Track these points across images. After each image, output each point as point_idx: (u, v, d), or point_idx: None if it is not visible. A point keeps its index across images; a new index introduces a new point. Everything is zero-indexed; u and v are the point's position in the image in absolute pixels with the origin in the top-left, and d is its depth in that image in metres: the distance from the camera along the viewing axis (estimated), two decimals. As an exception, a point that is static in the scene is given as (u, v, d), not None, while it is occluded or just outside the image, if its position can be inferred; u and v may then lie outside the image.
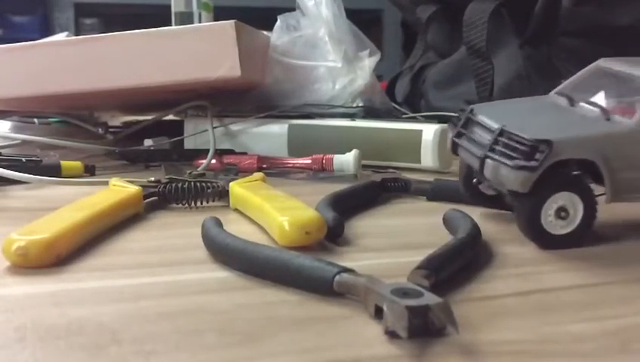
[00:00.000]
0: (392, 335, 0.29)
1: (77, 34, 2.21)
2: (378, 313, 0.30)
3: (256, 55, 0.75)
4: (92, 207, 0.45)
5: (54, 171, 0.62)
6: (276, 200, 0.47)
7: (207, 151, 0.67)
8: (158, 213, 0.52)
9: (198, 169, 0.62)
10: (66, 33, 1.07)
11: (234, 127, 0.75)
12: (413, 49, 1.09)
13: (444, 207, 0.47)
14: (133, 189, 0.51)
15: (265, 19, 0.85)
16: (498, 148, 0.42)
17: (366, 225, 0.49)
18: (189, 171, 0.58)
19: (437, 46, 1.04)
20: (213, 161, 0.66)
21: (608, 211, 0.50)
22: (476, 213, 0.45)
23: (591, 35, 0.81)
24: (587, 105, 0.45)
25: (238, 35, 0.67)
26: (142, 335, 0.30)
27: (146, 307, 0.33)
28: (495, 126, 0.43)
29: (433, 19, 1.02)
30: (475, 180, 0.50)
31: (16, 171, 0.56)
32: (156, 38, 0.70)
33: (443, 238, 0.42)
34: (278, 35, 0.80)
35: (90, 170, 0.67)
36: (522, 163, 0.40)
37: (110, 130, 0.88)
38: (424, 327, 0.29)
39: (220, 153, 0.69)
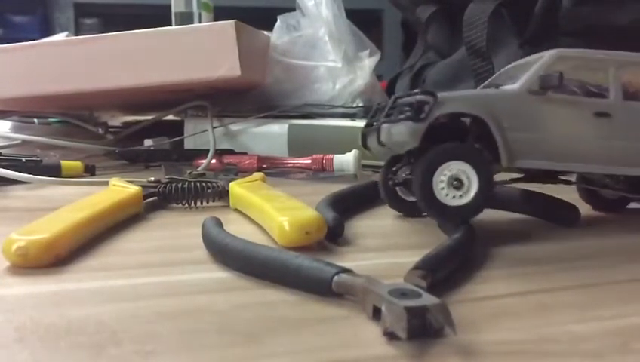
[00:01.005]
0: (390, 336, 0.29)
1: (77, 34, 2.21)
2: (376, 313, 0.30)
3: (256, 55, 0.75)
4: (92, 207, 0.45)
5: (54, 171, 0.63)
6: (276, 200, 0.47)
7: (207, 151, 0.67)
8: (158, 213, 0.52)
9: (198, 169, 0.62)
10: (66, 33, 1.07)
11: (234, 127, 0.75)
12: (413, 49, 1.09)
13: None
14: (133, 189, 0.51)
15: (265, 19, 0.85)
16: (393, 113, 0.43)
17: (365, 225, 0.49)
18: (189, 171, 0.58)
19: (437, 46, 1.04)
20: (213, 161, 0.66)
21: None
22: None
23: (591, 35, 0.81)
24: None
25: (238, 35, 0.67)
26: (142, 335, 0.30)
27: (146, 307, 0.33)
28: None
29: (433, 19, 1.02)
30: (390, 182, 0.49)
31: (16, 171, 0.56)
32: (156, 38, 0.70)
33: (442, 238, 0.42)
34: (278, 35, 0.80)
35: (90, 170, 0.67)
36: (410, 116, 0.41)
37: (110, 130, 0.88)
38: (422, 328, 0.29)
39: (219, 153, 0.69)
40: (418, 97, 0.42)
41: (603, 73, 0.45)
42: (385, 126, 0.43)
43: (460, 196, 0.42)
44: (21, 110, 0.86)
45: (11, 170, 0.57)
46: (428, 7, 1.02)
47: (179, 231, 0.48)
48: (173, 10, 0.97)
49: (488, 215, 0.50)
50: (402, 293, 0.30)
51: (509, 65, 0.50)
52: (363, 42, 0.83)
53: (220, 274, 0.38)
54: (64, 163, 0.65)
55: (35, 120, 0.89)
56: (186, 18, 0.96)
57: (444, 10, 1.01)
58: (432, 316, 0.29)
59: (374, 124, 0.46)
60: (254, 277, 0.37)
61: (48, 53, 0.72)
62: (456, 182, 0.42)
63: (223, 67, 0.67)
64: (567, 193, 0.51)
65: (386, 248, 0.43)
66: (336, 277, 0.33)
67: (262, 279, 0.36)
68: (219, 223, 0.42)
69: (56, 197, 0.53)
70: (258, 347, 0.29)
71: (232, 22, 0.68)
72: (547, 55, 0.45)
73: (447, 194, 0.42)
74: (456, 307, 0.32)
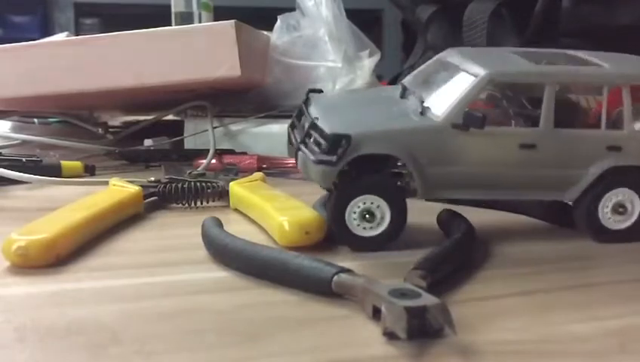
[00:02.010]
0: (390, 336, 0.29)
1: (77, 34, 2.21)
2: (376, 313, 0.30)
3: (256, 55, 0.75)
4: (92, 207, 0.45)
5: (54, 171, 0.62)
6: (276, 200, 0.47)
7: (207, 151, 0.67)
8: (158, 212, 0.52)
9: (198, 169, 0.62)
10: (66, 33, 1.07)
11: (234, 127, 0.75)
12: (413, 49, 1.09)
13: (443, 207, 0.47)
14: (133, 189, 0.51)
15: (265, 19, 0.85)
16: (309, 141, 0.42)
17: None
18: (189, 171, 0.58)
19: (437, 46, 1.03)
20: (214, 161, 0.66)
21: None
22: (472, 213, 0.45)
23: (591, 35, 0.80)
24: (413, 98, 0.44)
25: (238, 35, 0.67)
26: (142, 335, 0.30)
27: (146, 307, 0.33)
28: (313, 117, 0.43)
29: (433, 19, 1.02)
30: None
31: (16, 171, 0.56)
32: (156, 38, 0.70)
33: (442, 238, 0.42)
34: (278, 35, 0.80)
35: (90, 170, 0.67)
36: (322, 157, 0.40)
37: (110, 130, 0.88)
38: (422, 328, 0.29)
39: (219, 153, 0.69)
40: (332, 136, 0.40)
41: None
42: (301, 154, 0.42)
43: (372, 228, 0.41)
44: (21, 110, 0.86)
45: (11, 170, 0.57)
46: (428, 7, 1.02)
47: (179, 231, 0.48)
48: (173, 10, 0.97)
49: (488, 215, 0.50)
50: (402, 293, 0.30)
51: (425, 64, 0.48)
52: (363, 42, 0.83)
53: (220, 274, 0.38)
54: (64, 163, 0.65)
55: (35, 120, 0.89)
56: (186, 18, 0.96)
57: (444, 10, 1.01)
58: (431, 316, 0.29)
59: (295, 125, 0.45)
60: (254, 277, 0.37)
61: (48, 53, 0.72)
62: (368, 215, 0.41)
63: (223, 67, 0.67)
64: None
65: (386, 248, 0.43)
66: (336, 277, 0.33)
67: (262, 279, 0.36)
68: (219, 223, 0.42)
69: (56, 197, 0.53)
70: (258, 347, 0.29)
71: (232, 22, 0.67)
72: (477, 80, 0.41)
73: (359, 225, 0.41)
74: (456, 307, 0.32)
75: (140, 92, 0.72)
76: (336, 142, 0.40)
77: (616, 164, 0.42)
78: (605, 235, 0.43)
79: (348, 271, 0.34)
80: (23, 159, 0.63)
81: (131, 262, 0.40)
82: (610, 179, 0.43)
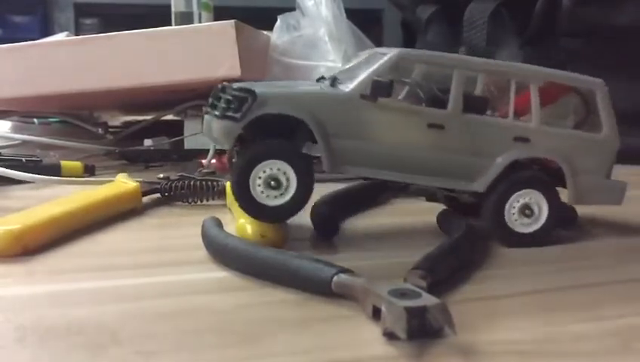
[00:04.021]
0: (390, 336, 0.29)
1: (77, 34, 2.21)
2: (376, 313, 0.30)
3: (256, 55, 0.75)
4: (75, 202, 0.46)
5: (54, 171, 0.63)
6: None
7: (208, 151, 0.67)
8: (158, 212, 0.52)
9: (205, 168, 0.63)
10: (66, 33, 1.07)
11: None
12: (413, 49, 1.09)
13: (443, 208, 0.47)
14: (130, 185, 0.51)
15: (265, 19, 0.85)
16: (219, 104, 0.41)
17: (365, 225, 0.49)
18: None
19: (437, 46, 1.03)
20: (213, 161, 0.67)
21: (608, 211, 0.50)
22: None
23: (591, 35, 0.81)
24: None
25: (238, 35, 0.67)
26: (142, 335, 0.30)
27: (146, 307, 0.33)
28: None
29: (433, 19, 1.02)
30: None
31: (16, 171, 0.56)
32: (156, 38, 0.70)
33: (442, 238, 0.42)
34: (278, 35, 0.80)
35: (90, 170, 0.67)
36: (227, 113, 0.39)
37: (110, 130, 0.88)
38: (422, 328, 0.29)
39: (219, 153, 0.69)
40: (237, 94, 0.39)
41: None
42: (207, 118, 0.41)
43: (276, 197, 0.40)
44: (21, 110, 0.86)
45: (11, 169, 0.57)
46: (428, 7, 1.02)
47: (178, 230, 0.48)
48: (173, 10, 0.97)
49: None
50: (402, 293, 0.30)
51: (357, 59, 0.47)
52: (363, 42, 0.83)
53: (219, 274, 0.38)
54: (64, 163, 0.65)
55: (35, 120, 0.89)
56: (186, 18, 0.96)
57: (444, 10, 1.01)
58: (431, 316, 0.29)
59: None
60: (254, 277, 0.37)
61: (48, 53, 0.72)
62: (273, 182, 0.40)
63: (223, 67, 0.67)
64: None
65: (386, 248, 0.43)
66: (336, 277, 0.33)
67: (262, 279, 0.36)
68: (219, 223, 0.42)
69: (55, 197, 0.53)
70: (258, 347, 0.29)
71: (232, 22, 0.68)
72: (389, 55, 0.42)
73: (263, 193, 0.40)
74: (456, 307, 0.32)
75: (140, 92, 0.72)
76: (242, 99, 0.39)
77: (524, 155, 0.42)
78: (511, 238, 0.43)
79: (348, 271, 0.34)
80: (23, 159, 0.63)
81: (131, 262, 0.40)
82: (519, 180, 0.42)
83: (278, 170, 0.40)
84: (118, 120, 1.00)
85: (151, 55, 0.69)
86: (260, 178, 0.40)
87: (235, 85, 0.40)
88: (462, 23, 0.87)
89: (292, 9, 0.82)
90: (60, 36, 1.00)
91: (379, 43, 0.80)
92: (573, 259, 0.41)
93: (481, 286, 0.36)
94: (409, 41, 1.17)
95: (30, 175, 0.56)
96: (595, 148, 0.44)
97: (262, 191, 0.40)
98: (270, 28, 0.81)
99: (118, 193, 0.50)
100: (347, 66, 0.46)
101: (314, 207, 0.46)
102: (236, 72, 0.67)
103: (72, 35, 1.03)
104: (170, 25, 0.96)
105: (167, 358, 0.28)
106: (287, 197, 0.40)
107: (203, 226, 0.42)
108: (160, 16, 1.01)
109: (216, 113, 0.40)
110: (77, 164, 0.66)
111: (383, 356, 0.28)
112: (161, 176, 0.56)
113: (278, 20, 0.81)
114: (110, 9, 2.60)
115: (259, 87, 0.40)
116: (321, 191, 0.52)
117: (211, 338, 0.30)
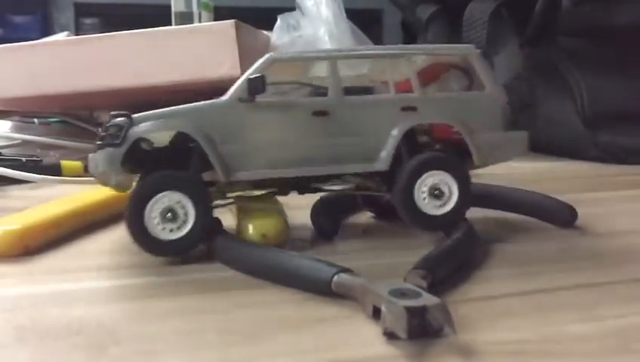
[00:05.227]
0: (390, 336, 0.29)
1: (77, 34, 2.21)
2: (376, 313, 0.30)
3: (256, 55, 0.74)
4: (74, 202, 0.46)
5: (54, 171, 0.63)
6: (252, 202, 0.46)
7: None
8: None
9: None
10: (66, 33, 1.07)
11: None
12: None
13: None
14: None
15: (265, 19, 0.85)
16: (103, 130, 0.40)
17: (365, 225, 0.49)
18: None
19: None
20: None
21: (607, 211, 0.50)
22: (472, 213, 0.45)
23: (591, 35, 0.81)
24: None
25: (238, 35, 0.67)
26: (142, 335, 0.30)
27: (146, 307, 0.33)
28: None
29: (433, 19, 1.02)
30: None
31: (16, 171, 0.57)
32: (156, 38, 0.70)
33: (441, 238, 0.42)
34: (278, 35, 0.80)
35: (90, 170, 0.67)
36: (106, 141, 0.38)
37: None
38: (422, 328, 0.29)
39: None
40: (114, 121, 0.39)
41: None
42: (90, 156, 0.40)
43: (171, 230, 0.39)
44: (21, 110, 0.86)
45: (11, 169, 0.57)
46: (428, 7, 1.02)
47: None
48: (173, 10, 0.97)
49: (487, 215, 0.50)
50: (402, 293, 0.30)
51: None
52: (363, 42, 0.83)
53: (220, 274, 0.38)
54: (64, 163, 0.65)
55: (35, 120, 0.89)
56: (186, 18, 0.96)
57: (444, 10, 1.01)
58: (431, 316, 0.29)
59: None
60: (254, 277, 0.37)
61: (48, 53, 0.72)
62: (169, 214, 0.39)
63: (223, 67, 0.67)
64: (562, 194, 0.51)
65: (386, 248, 0.43)
66: (336, 277, 0.33)
67: (262, 279, 0.36)
68: (219, 223, 0.42)
69: (55, 197, 0.53)
70: (258, 347, 0.29)
71: (232, 22, 0.67)
72: (260, 60, 0.42)
73: (158, 225, 0.39)
74: (456, 307, 0.32)
75: (140, 92, 0.71)
76: (119, 124, 0.39)
77: (415, 122, 0.42)
78: (422, 220, 0.42)
79: (348, 271, 0.34)
80: (23, 159, 0.63)
81: (131, 262, 0.40)
82: (425, 161, 0.42)
83: (177, 203, 0.39)
84: (118, 120, 1.00)
85: (151, 55, 0.69)
86: (156, 210, 0.39)
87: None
88: (462, 23, 0.87)
89: (292, 9, 0.82)
90: (60, 36, 1.00)
91: (379, 43, 0.80)
92: (573, 259, 0.41)
93: (481, 286, 0.36)
94: (409, 41, 1.17)
95: (30, 175, 0.56)
96: (482, 105, 0.44)
97: (158, 224, 0.39)
98: (270, 28, 0.81)
99: (116, 193, 0.50)
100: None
101: (314, 207, 0.46)
102: (236, 71, 0.67)
103: (72, 35, 1.03)
104: (170, 25, 0.96)
105: (167, 358, 0.28)
106: (186, 229, 0.39)
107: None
108: (160, 16, 1.01)
109: (98, 144, 0.39)
110: (77, 164, 0.66)
111: (383, 356, 0.28)
112: None
113: (278, 20, 0.81)
114: (110, 9, 2.60)
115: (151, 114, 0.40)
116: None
117: (211, 338, 0.30)
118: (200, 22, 0.96)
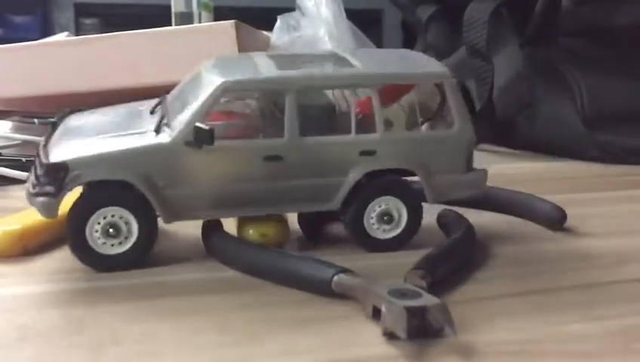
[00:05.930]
0: (390, 336, 0.29)
1: (77, 34, 2.21)
2: (376, 313, 0.30)
3: (256, 55, 0.75)
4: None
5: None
6: None
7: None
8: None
9: None
10: (66, 33, 1.07)
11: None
12: (413, 49, 1.09)
13: (442, 208, 0.47)
14: None
15: (265, 19, 0.85)
16: (39, 175, 0.38)
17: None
18: None
19: (437, 46, 1.03)
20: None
21: (607, 211, 0.50)
22: (471, 213, 0.45)
23: (591, 35, 0.81)
24: (158, 114, 0.41)
25: (238, 35, 0.67)
26: (142, 335, 0.30)
27: (146, 307, 0.33)
28: (42, 143, 0.39)
29: (433, 19, 1.02)
30: None
31: (16, 171, 0.57)
32: (156, 38, 0.70)
33: (441, 238, 0.42)
34: (278, 35, 0.80)
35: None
36: (40, 189, 0.37)
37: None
38: (422, 328, 0.29)
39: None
40: (50, 164, 0.37)
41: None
42: (25, 186, 0.38)
43: (113, 245, 0.38)
44: (21, 110, 0.86)
45: (11, 169, 0.57)
46: (428, 7, 1.02)
47: (179, 230, 0.47)
48: (173, 10, 0.97)
49: (488, 215, 0.50)
50: (402, 293, 0.30)
51: (186, 79, 0.44)
52: (363, 42, 0.83)
53: (220, 274, 0.38)
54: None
55: (35, 120, 0.89)
56: (186, 18, 0.96)
57: (444, 10, 1.01)
58: (431, 316, 0.29)
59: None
60: (254, 277, 0.37)
61: (48, 53, 0.72)
62: (112, 230, 0.38)
63: (223, 67, 0.67)
64: (562, 194, 0.51)
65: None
66: (336, 277, 0.33)
67: (262, 279, 0.36)
68: (219, 223, 0.42)
69: (56, 197, 0.53)
70: (258, 347, 0.29)
71: (232, 22, 0.67)
72: (210, 90, 0.38)
73: (99, 239, 0.38)
74: (456, 307, 0.32)
75: (140, 92, 0.71)
76: (53, 172, 0.37)
77: (372, 168, 0.40)
78: (372, 244, 0.41)
79: (348, 271, 0.34)
80: (23, 159, 0.63)
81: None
82: (374, 187, 0.41)
83: (120, 218, 0.38)
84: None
85: (151, 55, 0.69)
86: (98, 224, 0.38)
87: (48, 154, 0.38)
88: (462, 23, 0.87)
89: (292, 9, 0.82)
90: (60, 36, 1.00)
91: (379, 43, 0.80)
92: (573, 259, 0.41)
93: (481, 286, 0.36)
94: (409, 41, 1.17)
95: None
96: (448, 146, 0.42)
97: (98, 238, 0.38)
98: (270, 28, 0.81)
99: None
100: (177, 89, 0.44)
101: (298, 217, 0.45)
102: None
103: (72, 35, 1.03)
104: (170, 25, 0.96)
105: (167, 358, 0.28)
106: (129, 244, 0.38)
107: (203, 226, 0.42)
108: (160, 16, 1.01)
109: (31, 191, 0.37)
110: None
111: (383, 356, 0.28)
112: None
113: (278, 20, 0.81)
114: (110, 9, 2.60)
115: (72, 149, 0.38)
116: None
117: (211, 338, 0.30)
118: (200, 22, 0.96)
